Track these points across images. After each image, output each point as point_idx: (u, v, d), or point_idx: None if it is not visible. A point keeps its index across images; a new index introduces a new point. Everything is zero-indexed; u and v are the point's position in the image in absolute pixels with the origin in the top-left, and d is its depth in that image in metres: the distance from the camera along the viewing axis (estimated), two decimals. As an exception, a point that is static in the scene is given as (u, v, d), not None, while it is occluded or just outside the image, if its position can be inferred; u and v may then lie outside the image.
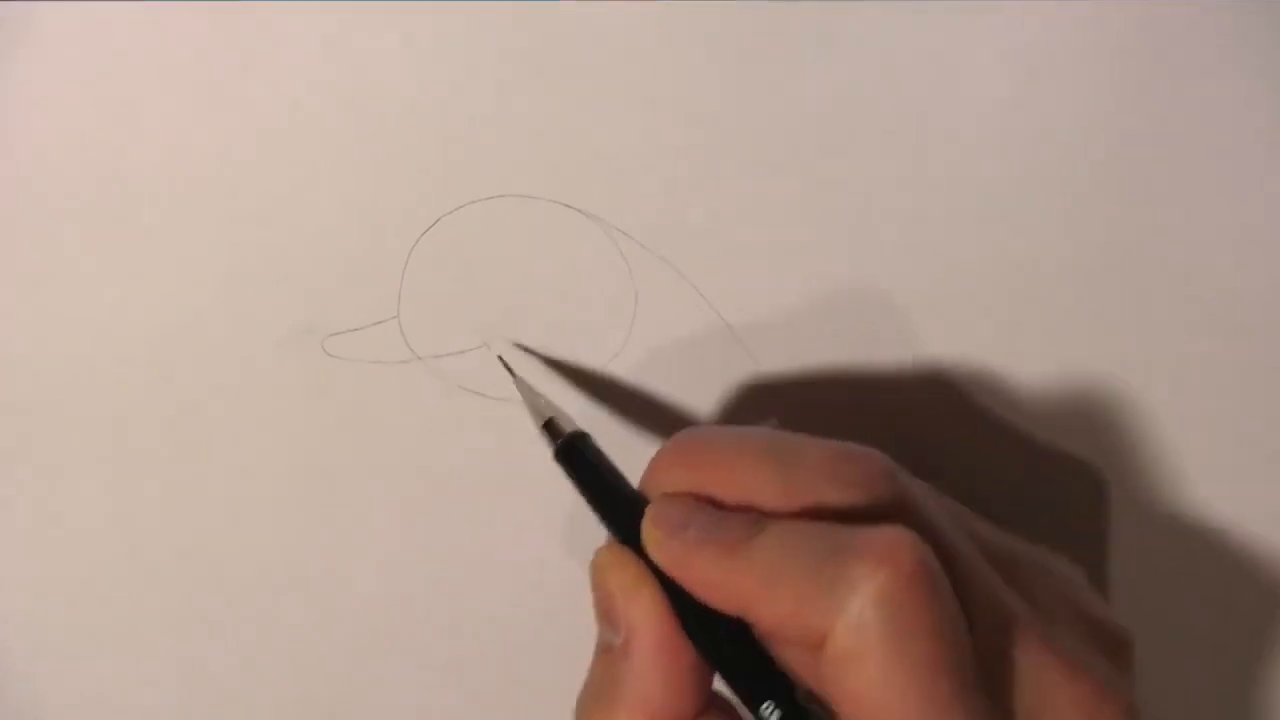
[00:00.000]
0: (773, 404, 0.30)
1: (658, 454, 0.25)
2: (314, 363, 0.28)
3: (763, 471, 0.23)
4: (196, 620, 0.30)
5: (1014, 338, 0.29)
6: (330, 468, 0.29)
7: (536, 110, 0.27)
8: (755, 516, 0.23)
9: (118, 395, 0.28)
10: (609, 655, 0.23)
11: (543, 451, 0.26)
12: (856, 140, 0.27)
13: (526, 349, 0.29)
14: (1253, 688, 0.33)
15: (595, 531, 0.25)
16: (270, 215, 0.27)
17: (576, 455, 0.26)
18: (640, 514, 0.24)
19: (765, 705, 0.22)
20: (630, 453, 0.30)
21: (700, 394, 0.29)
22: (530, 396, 0.27)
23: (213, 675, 0.31)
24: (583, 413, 0.29)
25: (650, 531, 0.23)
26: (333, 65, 0.26)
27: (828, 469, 0.23)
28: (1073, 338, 0.29)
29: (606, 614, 0.24)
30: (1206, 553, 0.31)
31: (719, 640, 0.23)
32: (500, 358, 0.29)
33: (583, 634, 0.25)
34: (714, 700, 0.24)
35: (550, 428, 0.27)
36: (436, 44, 0.26)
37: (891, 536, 0.21)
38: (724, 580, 0.22)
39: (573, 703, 0.24)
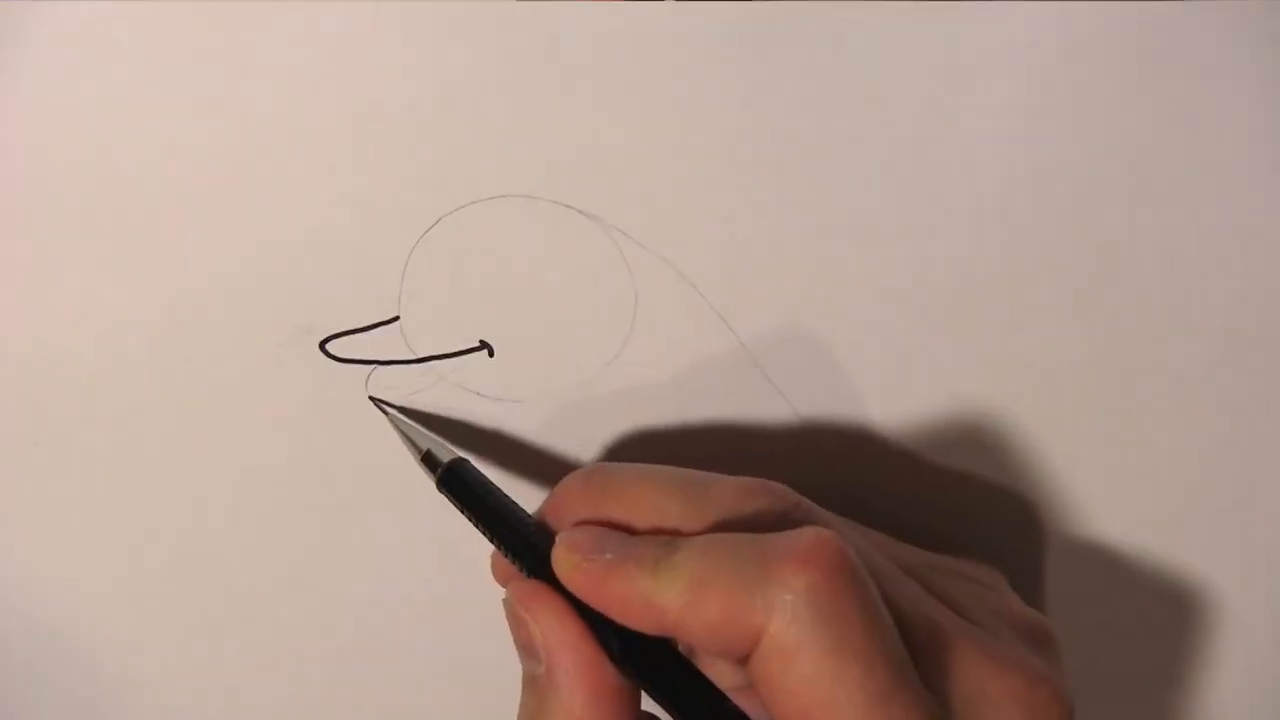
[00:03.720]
0: (772, 404, 0.30)
1: (559, 487, 0.26)
2: (314, 363, 0.28)
3: (672, 501, 0.24)
4: (196, 620, 0.30)
5: (1014, 338, 0.29)
6: (330, 468, 0.29)
7: (537, 110, 0.27)
8: (669, 537, 0.23)
9: (118, 395, 0.28)
10: (534, 685, 0.24)
11: (544, 453, 0.26)
12: (857, 140, 0.27)
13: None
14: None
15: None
16: (270, 215, 0.27)
17: (458, 483, 0.26)
18: (541, 542, 0.24)
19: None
20: (631, 453, 0.30)
21: (700, 394, 0.29)
22: (406, 430, 0.28)
23: (213, 675, 0.31)
24: (579, 415, 0.29)
25: (565, 557, 0.23)
26: (333, 65, 0.26)
27: (736, 499, 0.24)
28: (1073, 338, 0.29)
29: (524, 645, 0.24)
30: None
31: (645, 661, 0.23)
32: (371, 397, 0.29)
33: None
34: (645, 717, 0.24)
35: (429, 459, 0.27)
36: (437, 44, 0.26)
37: (813, 536, 0.21)
38: (646, 598, 0.22)
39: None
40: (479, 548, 0.30)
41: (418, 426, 0.28)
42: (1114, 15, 0.26)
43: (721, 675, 0.23)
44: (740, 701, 0.22)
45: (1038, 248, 0.28)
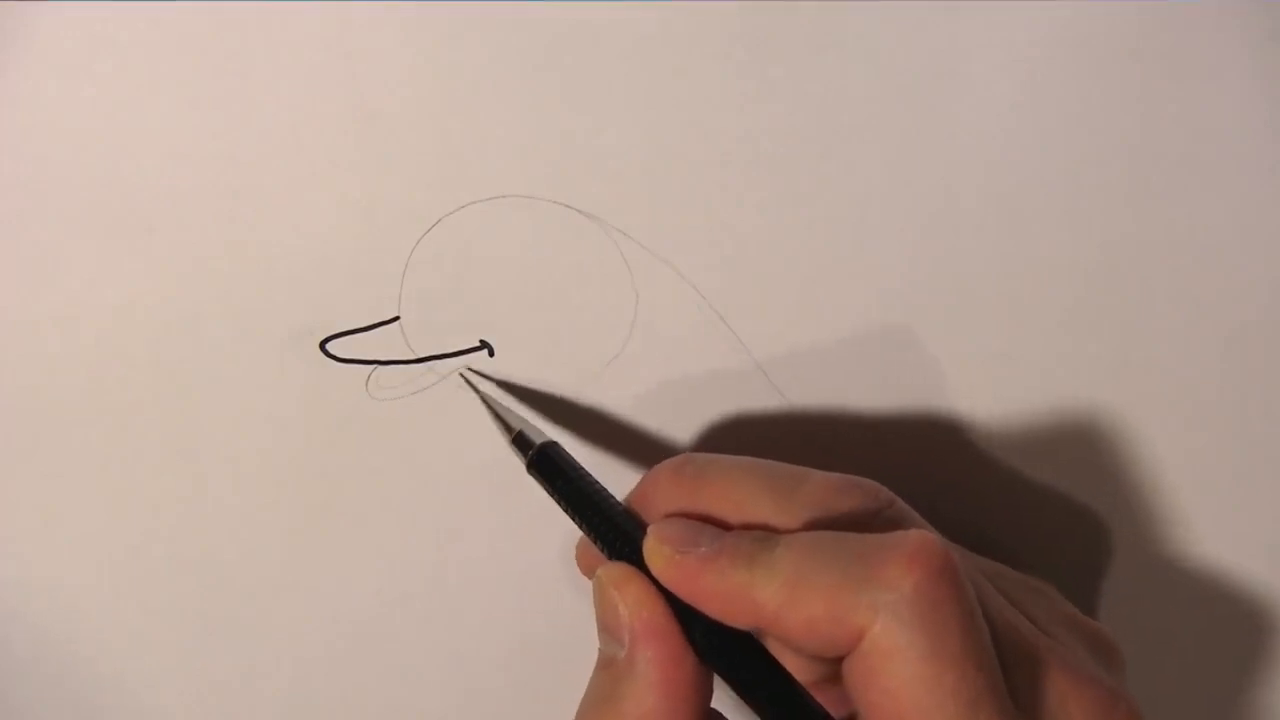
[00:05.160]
0: (772, 403, 0.30)
1: (649, 475, 0.26)
2: (314, 364, 0.28)
3: (764, 495, 0.24)
4: (196, 620, 0.30)
5: (1014, 338, 0.29)
6: (331, 468, 0.29)
7: (537, 110, 0.27)
8: (766, 533, 0.23)
9: (118, 396, 0.28)
10: (611, 668, 0.23)
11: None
12: (857, 140, 0.27)
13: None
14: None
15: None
16: (270, 215, 0.27)
17: (550, 467, 0.26)
18: (632, 530, 0.24)
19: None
20: (629, 454, 0.30)
21: (700, 394, 0.29)
22: (498, 409, 0.27)
23: (213, 675, 0.31)
24: (582, 413, 0.29)
25: (658, 549, 0.23)
26: (333, 65, 0.26)
27: (830, 495, 0.24)
28: (1073, 339, 0.29)
29: (610, 627, 0.24)
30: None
31: (731, 654, 0.23)
32: (462, 374, 0.28)
33: (584, 638, 0.25)
34: (712, 715, 0.24)
35: (520, 441, 0.27)
36: (436, 44, 0.26)
37: (918, 538, 0.21)
38: (741, 593, 0.22)
39: (572, 707, 0.24)
40: (479, 548, 0.30)
41: (510, 407, 0.28)
42: (1114, 15, 0.26)
43: (795, 672, 0.23)
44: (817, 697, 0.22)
45: (1038, 248, 0.28)
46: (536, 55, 0.26)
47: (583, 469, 0.26)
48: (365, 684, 0.32)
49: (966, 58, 0.27)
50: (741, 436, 0.30)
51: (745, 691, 0.23)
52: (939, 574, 0.21)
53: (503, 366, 0.29)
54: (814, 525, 0.23)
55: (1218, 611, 0.32)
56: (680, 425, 0.30)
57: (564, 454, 0.26)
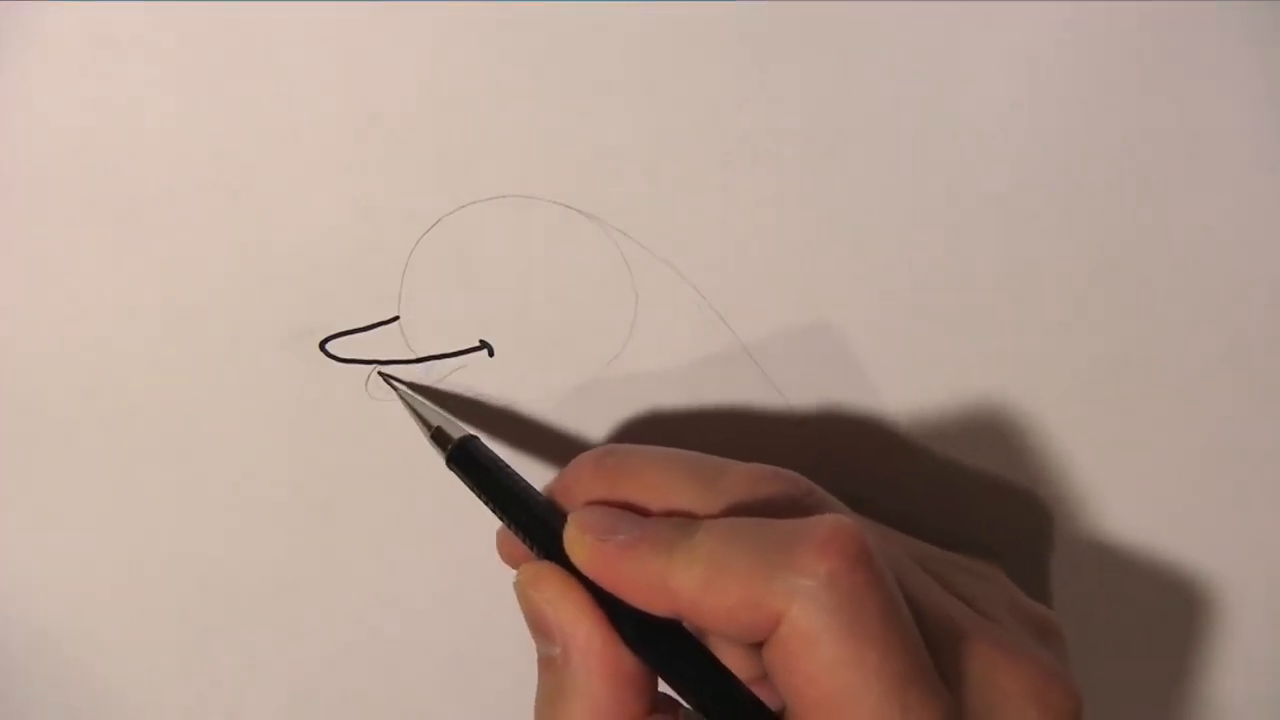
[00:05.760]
0: (772, 403, 0.30)
1: (572, 465, 0.26)
2: (314, 363, 0.28)
3: (685, 484, 0.24)
4: (196, 620, 0.30)
5: (1014, 337, 0.29)
6: (330, 468, 0.29)
7: (537, 110, 0.27)
8: (685, 519, 0.23)
9: (117, 396, 0.28)
10: (552, 667, 0.24)
11: (551, 439, 0.26)
12: (857, 140, 0.27)
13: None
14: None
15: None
16: (270, 215, 0.27)
17: (468, 460, 0.26)
18: (553, 520, 0.24)
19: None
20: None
21: (700, 394, 0.29)
22: (416, 405, 0.27)
23: (213, 675, 0.31)
24: (580, 415, 0.29)
25: (577, 537, 0.23)
26: (333, 65, 0.26)
27: (750, 484, 0.24)
28: (1073, 337, 0.29)
29: (538, 627, 0.24)
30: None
31: (657, 643, 0.23)
32: (381, 373, 0.28)
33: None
34: (660, 701, 0.24)
35: (439, 436, 0.26)
36: (436, 44, 0.26)
37: (834, 523, 0.21)
38: (661, 580, 0.22)
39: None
40: (479, 547, 0.30)
41: (428, 403, 0.28)
42: (1114, 15, 0.26)
43: (730, 664, 0.23)
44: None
45: (1037, 247, 0.28)
46: (536, 55, 0.26)
47: (503, 462, 0.26)
48: (365, 684, 0.32)
49: (966, 58, 0.27)
50: (741, 436, 0.30)
51: (673, 680, 0.23)
52: (854, 557, 0.21)
53: (503, 366, 0.29)
54: (734, 513, 0.23)
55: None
56: (680, 425, 0.30)
57: (483, 448, 0.26)
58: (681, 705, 0.24)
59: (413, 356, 0.28)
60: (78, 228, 0.27)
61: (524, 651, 0.32)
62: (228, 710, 0.32)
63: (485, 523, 0.30)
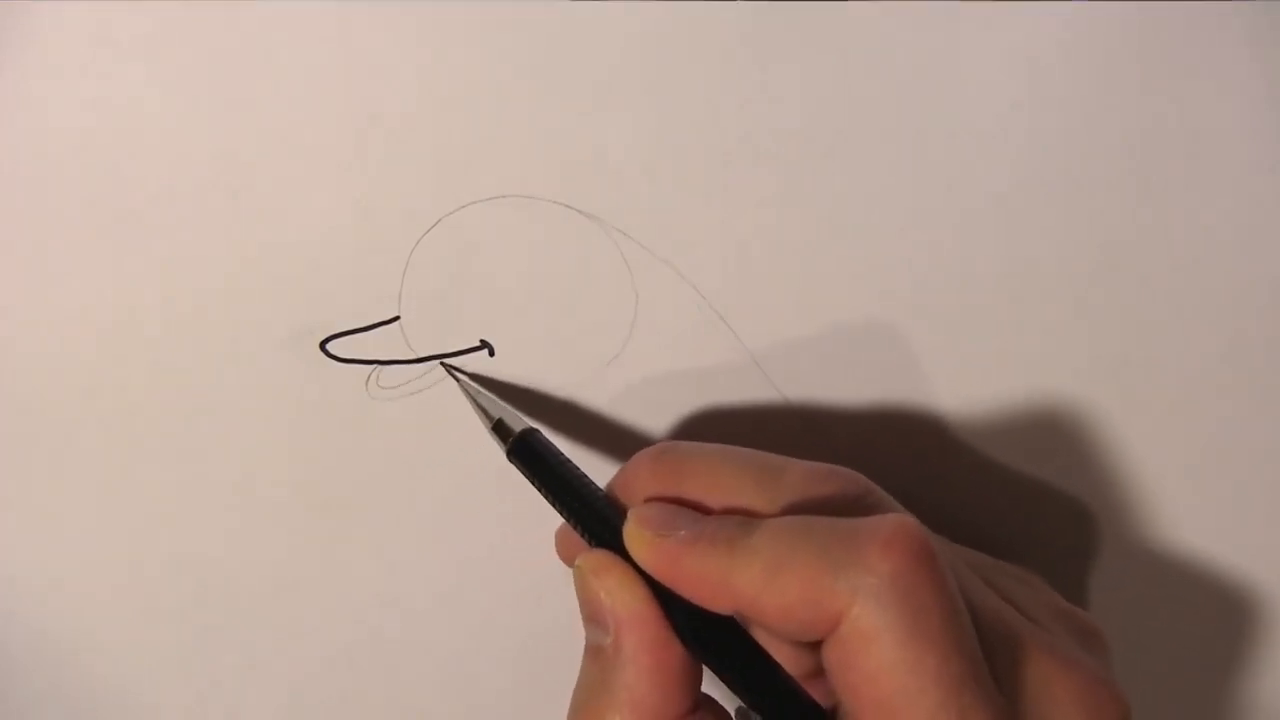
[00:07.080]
0: (772, 403, 0.30)
1: (631, 462, 0.26)
2: (314, 364, 0.28)
3: (745, 482, 0.24)
4: (196, 620, 0.30)
5: (1014, 337, 0.29)
6: (331, 468, 0.29)
7: (537, 110, 0.27)
8: (745, 517, 0.23)
9: (117, 396, 0.28)
10: (599, 656, 0.23)
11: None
12: (857, 140, 0.27)
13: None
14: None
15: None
16: (271, 215, 0.27)
17: (530, 453, 0.26)
18: (612, 515, 0.24)
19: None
20: (630, 455, 0.30)
21: (700, 394, 0.29)
22: (479, 398, 0.27)
23: (213, 675, 0.31)
24: (582, 413, 0.29)
25: (638, 532, 0.23)
26: (333, 65, 0.26)
27: (810, 483, 0.24)
28: (1073, 338, 0.29)
29: (593, 616, 0.24)
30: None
31: (712, 639, 0.23)
32: (444, 364, 0.28)
33: (583, 635, 0.25)
34: (704, 699, 0.24)
35: (500, 428, 0.27)
36: (437, 44, 0.26)
37: (897, 522, 0.21)
38: (721, 576, 0.22)
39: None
40: (479, 548, 0.30)
41: (490, 395, 0.28)
42: (1114, 15, 0.26)
43: (779, 661, 0.23)
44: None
45: (1037, 247, 0.28)
46: (537, 55, 0.26)
47: (563, 456, 0.26)
48: (365, 683, 0.32)
49: (966, 58, 0.27)
50: (741, 436, 0.30)
51: (727, 676, 0.23)
52: (917, 557, 0.21)
53: (503, 366, 0.29)
54: (793, 511, 0.23)
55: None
56: (680, 425, 0.30)
57: (544, 441, 0.26)
58: (720, 706, 0.24)
59: (413, 356, 0.28)
60: (78, 228, 0.27)
61: (524, 652, 0.32)
62: (228, 710, 0.32)
63: (485, 523, 0.30)
